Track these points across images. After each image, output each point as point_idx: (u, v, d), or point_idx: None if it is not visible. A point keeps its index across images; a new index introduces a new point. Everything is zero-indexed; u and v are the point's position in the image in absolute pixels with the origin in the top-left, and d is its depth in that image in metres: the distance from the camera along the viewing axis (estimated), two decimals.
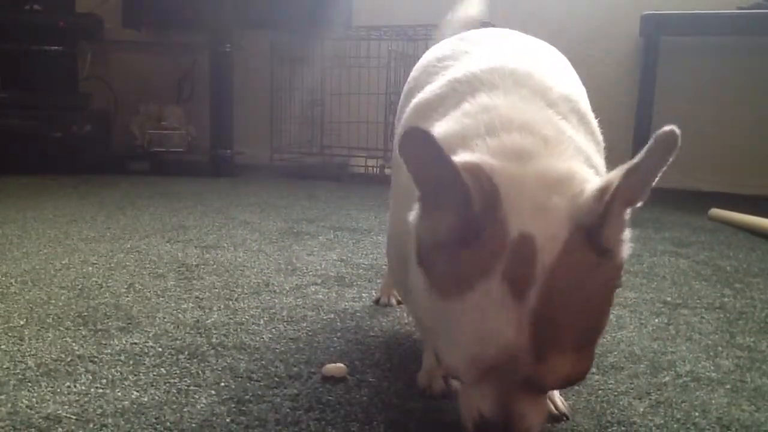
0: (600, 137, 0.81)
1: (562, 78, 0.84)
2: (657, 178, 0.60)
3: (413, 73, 1.08)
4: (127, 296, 1.34)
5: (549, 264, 0.57)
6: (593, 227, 0.59)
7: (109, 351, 1.05)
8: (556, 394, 0.88)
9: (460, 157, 0.64)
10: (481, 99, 0.74)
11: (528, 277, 0.57)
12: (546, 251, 0.58)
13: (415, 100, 0.89)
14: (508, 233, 0.58)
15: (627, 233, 0.64)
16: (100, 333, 1.13)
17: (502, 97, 0.74)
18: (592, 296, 0.60)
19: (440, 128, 0.74)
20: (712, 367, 1.06)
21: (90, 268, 1.54)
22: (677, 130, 0.56)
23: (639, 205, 0.61)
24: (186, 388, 0.93)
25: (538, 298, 0.57)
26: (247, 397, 0.91)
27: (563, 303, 0.58)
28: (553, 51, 0.95)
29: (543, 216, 0.59)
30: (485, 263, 0.58)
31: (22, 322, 1.17)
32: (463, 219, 0.59)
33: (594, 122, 0.82)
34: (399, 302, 1.33)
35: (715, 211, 2.46)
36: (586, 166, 0.68)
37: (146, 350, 1.06)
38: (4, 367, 0.98)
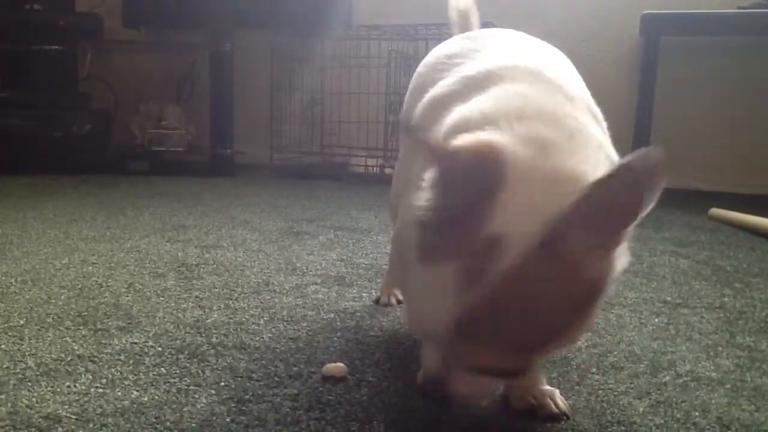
0: (609, 138, 0.81)
1: (572, 77, 0.85)
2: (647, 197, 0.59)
3: (421, 69, 1.09)
4: (127, 296, 1.34)
5: (504, 266, 0.59)
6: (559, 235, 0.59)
7: (109, 351, 1.05)
8: (556, 393, 0.88)
9: (483, 136, 0.65)
10: (508, 87, 0.75)
11: (480, 273, 0.60)
12: (509, 253, 0.59)
13: (428, 95, 0.89)
14: (485, 228, 0.60)
15: (620, 248, 0.65)
16: (100, 332, 1.13)
17: (528, 88, 0.75)
18: (541, 306, 0.61)
19: (469, 107, 0.74)
20: (712, 367, 1.06)
21: (90, 268, 1.54)
22: (651, 157, 0.57)
23: (639, 217, 0.61)
24: (186, 387, 0.93)
25: (480, 295, 0.60)
26: (247, 396, 0.91)
27: (503, 305, 0.60)
28: (557, 52, 0.96)
29: (528, 216, 0.60)
30: (455, 248, 0.61)
31: (21, 322, 1.17)
32: (455, 206, 0.62)
33: (604, 122, 0.82)
34: (399, 302, 1.33)
35: (715, 211, 2.46)
36: (608, 162, 0.68)
37: (146, 350, 1.06)
38: (4, 366, 0.98)
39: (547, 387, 0.89)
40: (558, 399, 0.88)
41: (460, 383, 0.68)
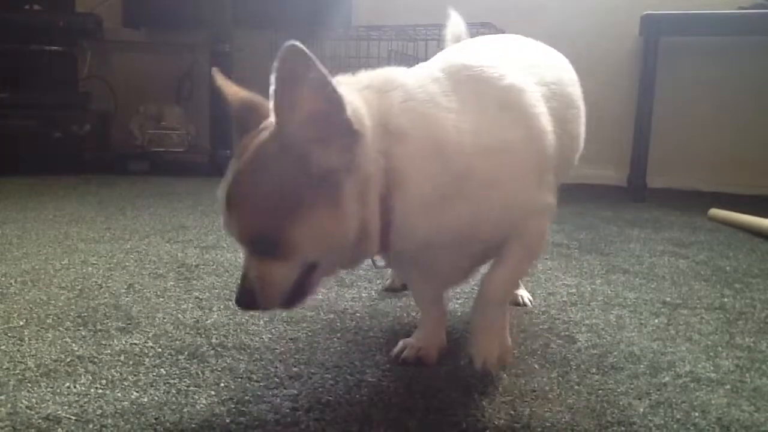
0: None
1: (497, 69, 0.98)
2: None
3: None
4: (127, 296, 1.34)
5: (250, 150, 0.83)
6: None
7: (109, 351, 1.05)
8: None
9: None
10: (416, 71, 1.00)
11: (240, 155, 0.84)
12: (256, 141, 0.83)
13: None
14: (256, 131, 0.86)
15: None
16: (99, 333, 1.13)
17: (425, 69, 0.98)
18: (277, 182, 0.81)
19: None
20: (711, 368, 1.06)
21: (90, 269, 1.54)
22: None
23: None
24: (186, 388, 0.93)
25: (236, 171, 0.83)
26: (246, 397, 0.91)
27: (249, 179, 0.82)
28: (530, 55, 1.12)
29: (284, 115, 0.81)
30: (239, 148, 0.86)
31: (21, 323, 1.17)
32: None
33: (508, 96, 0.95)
34: (404, 287, 1.40)
35: (715, 211, 2.46)
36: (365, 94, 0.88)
37: (146, 351, 1.06)
38: (4, 367, 0.98)
39: (498, 349, 0.98)
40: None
41: (253, 271, 0.84)
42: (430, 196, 0.87)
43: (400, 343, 1.09)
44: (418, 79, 0.92)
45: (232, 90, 0.93)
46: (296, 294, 0.87)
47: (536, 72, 1.03)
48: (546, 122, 0.96)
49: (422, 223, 0.88)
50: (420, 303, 1.13)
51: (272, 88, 0.77)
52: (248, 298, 0.85)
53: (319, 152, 0.80)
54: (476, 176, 0.88)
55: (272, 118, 0.82)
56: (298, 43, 0.73)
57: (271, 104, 0.80)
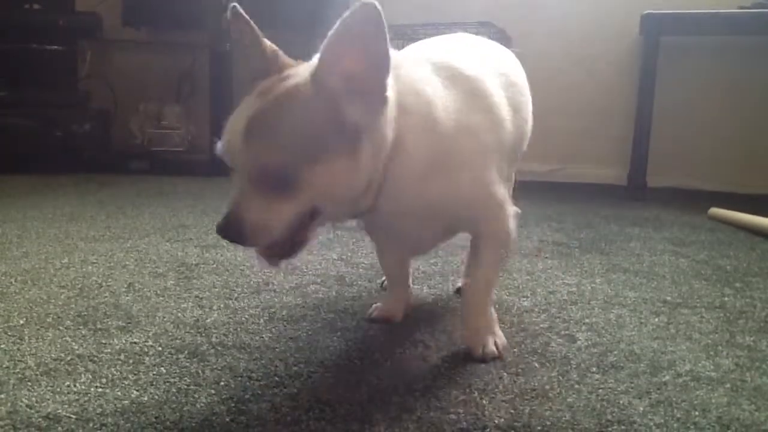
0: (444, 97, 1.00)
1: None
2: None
3: None
4: (127, 295, 1.34)
5: (281, 88, 0.86)
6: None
7: (109, 350, 1.05)
8: (490, 341, 1.07)
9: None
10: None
11: (266, 93, 0.86)
12: (286, 83, 0.86)
13: None
14: (277, 71, 0.91)
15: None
16: (99, 332, 1.13)
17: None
18: (302, 121, 0.84)
19: None
20: (712, 367, 1.06)
21: (90, 268, 1.54)
22: None
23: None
24: (186, 387, 0.93)
25: (262, 106, 0.84)
26: (246, 396, 0.91)
27: (275, 114, 0.84)
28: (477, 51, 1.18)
29: (305, 68, 0.89)
30: (258, 84, 0.89)
31: (21, 322, 1.17)
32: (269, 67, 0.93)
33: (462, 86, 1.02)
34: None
35: (715, 210, 2.46)
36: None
37: (146, 349, 1.06)
38: (4, 366, 0.98)
39: (493, 337, 1.08)
40: (491, 344, 1.06)
41: (251, 204, 0.85)
42: (421, 167, 0.95)
43: (372, 306, 1.25)
44: (408, 61, 1.01)
45: (261, 36, 0.96)
46: (291, 243, 0.90)
47: (491, 64, 1.13)
48: (504, 111, 1.07)
49: (409, 191, 0.96)
50: (386, 268, 1.27)
51: (331, 33, 0.82)
52: (235, 228, 0.85)
53: (352, 105, 0.85)
54: (453, 154, 0.97)
55: (305, 70, 0.88)
56: (377, 5, 0.77)
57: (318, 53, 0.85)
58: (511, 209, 1.08)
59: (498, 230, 1.07)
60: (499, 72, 1.13)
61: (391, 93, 0.88)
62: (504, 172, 1.08)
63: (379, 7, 0.77)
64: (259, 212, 0.85)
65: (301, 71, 0.89)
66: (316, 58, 0.87)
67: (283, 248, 0.90)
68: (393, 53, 0.93)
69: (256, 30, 0.94)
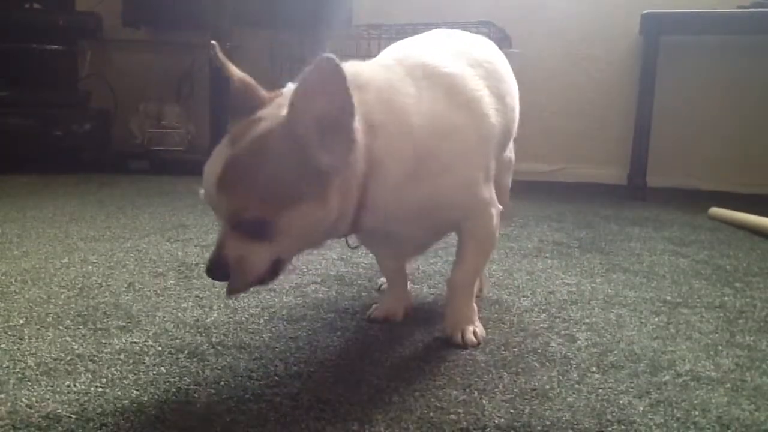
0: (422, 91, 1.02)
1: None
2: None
3: None
4: (127, 295, 1.34)
5: (252, 135, 0.88)
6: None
7: (109, 350, 1.05)
8: (469, 330, 1.12)
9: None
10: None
11: (238, 139, 0.88)
12: (257, 130, 0.88)
13: None
14: (252, 116, 0.92)
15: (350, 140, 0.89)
16: (99, 332, 1.13)
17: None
18: (275, 168, 0.87)
19: None
20: (712, 366, 1.06)
21: (90, 267, 1.54)
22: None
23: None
24: (186, 387, 0.93)
25: (235, 154, 0.87)
26: (246, 396, 0.91)
27: (248, 162, 0.87)
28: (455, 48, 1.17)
29: (278, 110, 0.90)
30: (232, 128, 0.92)
31: (21, 321, 1.17)
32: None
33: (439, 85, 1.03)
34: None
35: (715, 210, 2.46)
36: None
37: (146, 349, 1.06)
38: (4, 366, 0.98)
39: (473, 326, 1.14)
40: (469, 332, 1.12)
41: (232, 248, 0.89)
42: (401, 179, 0.97)
43: (373, 306, 1.27)
44: (375, 70, 1.02)
45: (233, 68, 1.00)
46: (269, 273, 0.94)
47: (469, 55, 1.13)
48: (487, 105, 1.07)
49: (392, 204, 0.99)
50: (385, 272, 1.29)
51: (297, 85, 0.86)
52: (223, 271, 0.91)
53: (321, 151, 0.87)
54: (433, 159, 0.98)
55: (275, 110, 0.90)
56: (334, 58, 0.82)
57: (286, 96, 0.89)
58: (495, 208, 1.12)
59: (481, 229, 1.12)
60: (477, 62, 1.12)
61: (358, 125, 0.90)
62: (492, 168, 1.11)
63: (336, 60, 0.82)
64: (243, 257, 0.90)
65: (273, 112, 0.91)
66: (288, 90, 0.93)
67: (261, 281, 0.95)
68: (353, 67, 0.97)
69: (229, 66, 0.99)
